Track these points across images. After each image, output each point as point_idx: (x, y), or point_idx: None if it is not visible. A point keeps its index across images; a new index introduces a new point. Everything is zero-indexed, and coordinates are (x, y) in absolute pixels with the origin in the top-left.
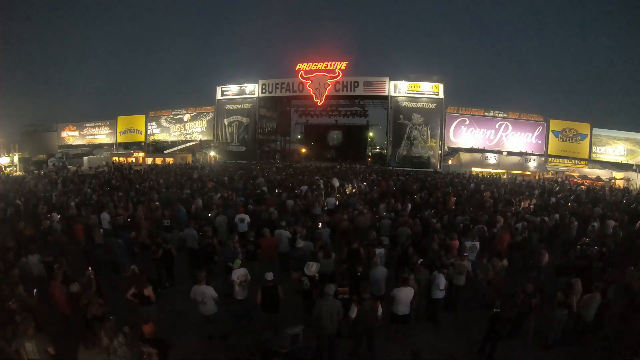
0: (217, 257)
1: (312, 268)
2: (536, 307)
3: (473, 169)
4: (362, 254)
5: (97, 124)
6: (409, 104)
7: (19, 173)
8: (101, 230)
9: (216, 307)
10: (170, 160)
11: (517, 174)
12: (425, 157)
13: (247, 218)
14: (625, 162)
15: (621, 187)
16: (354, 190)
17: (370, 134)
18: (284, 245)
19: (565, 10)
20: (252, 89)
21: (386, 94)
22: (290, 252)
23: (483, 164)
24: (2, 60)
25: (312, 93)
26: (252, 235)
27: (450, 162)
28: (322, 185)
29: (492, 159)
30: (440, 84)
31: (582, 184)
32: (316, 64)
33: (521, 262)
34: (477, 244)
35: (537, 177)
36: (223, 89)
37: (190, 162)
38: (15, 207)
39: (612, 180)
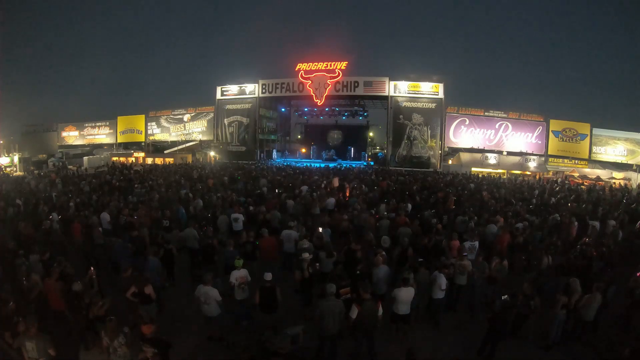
0: (216, 258)
1: (306, 255)
2: (536, 308)
3: (473, 169)
4: (360, 255)
5: (97, 124)
6: (409, 104)
7: (19, 173)
8: (100, 229)
9: (219, 309)
10: (170, 160)
11: (517, 174)
12: (425, 157)
13: (241, 217)
14: (625, 162)
15: (622, 185)
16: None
17: (370, 134)
18: (291, 246)
19: (566, 11)
20: (252, 89)
21: (386, 94)
22: (295, 252)
23: (483, 164)
24: (2, 61)
25: (312, 93)
26: (252, 235)
27: (450, 162)
28: (323, 185)
29: (492, 159)
30: (440, 84)
31: (582, 184)
32: (316, 64)
33: (522, 263)
34: (476, 243)
35: (537, 177)
36: (223, 89)
37: (190, 162)
38: (16, 207)
39: (625, 181)
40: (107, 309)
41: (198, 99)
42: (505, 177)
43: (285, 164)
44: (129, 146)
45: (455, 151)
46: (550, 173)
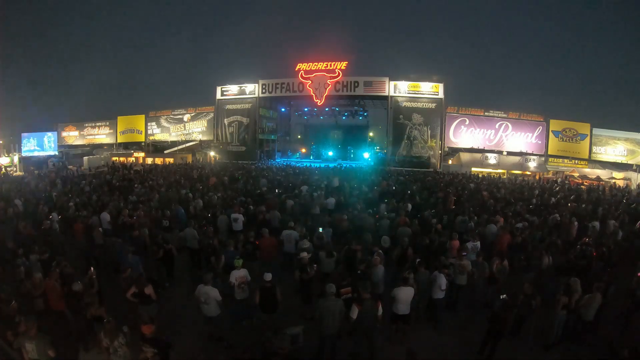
0: (212, 259)
1: (304, 254)
2: (537, 309)
3: (473, 169)
4: (361, 255)
5: (97, 124)
6: (409, 104)
7: (19, 173)
8: (100, 229)
9: (219, 309)
10: (170, 160)
11: (517, 174)
12: (425, 157)
13: (241, 217)
14: (625, 162)
15: (622, 185)
16: None
17: (370, 134)
18: (291, 246)
19: (565, 11)
20: (252, 89)
21: (386, 94)
22: (295, 252)
23: (483, 164)
24: (2, 60)
25: (312, 93)
26: (252, 235)
27: (450, 162)
28: (323, 185)
29: (492, 159)
30: (440, 84)
31: (582, 184)
32: (316, 64)
33: (522, 263)
34: (478, 244)
35: (537, 177)
36: (223, 89)
37: (190, 162)
38: (15, 207)
39: (625, 181)
40: (104, 312)
41: (198, 99)
42: (505, 177)
43: (286, 164)
44: (129, 146)
45: (455, 151)
46: (550, 173)
